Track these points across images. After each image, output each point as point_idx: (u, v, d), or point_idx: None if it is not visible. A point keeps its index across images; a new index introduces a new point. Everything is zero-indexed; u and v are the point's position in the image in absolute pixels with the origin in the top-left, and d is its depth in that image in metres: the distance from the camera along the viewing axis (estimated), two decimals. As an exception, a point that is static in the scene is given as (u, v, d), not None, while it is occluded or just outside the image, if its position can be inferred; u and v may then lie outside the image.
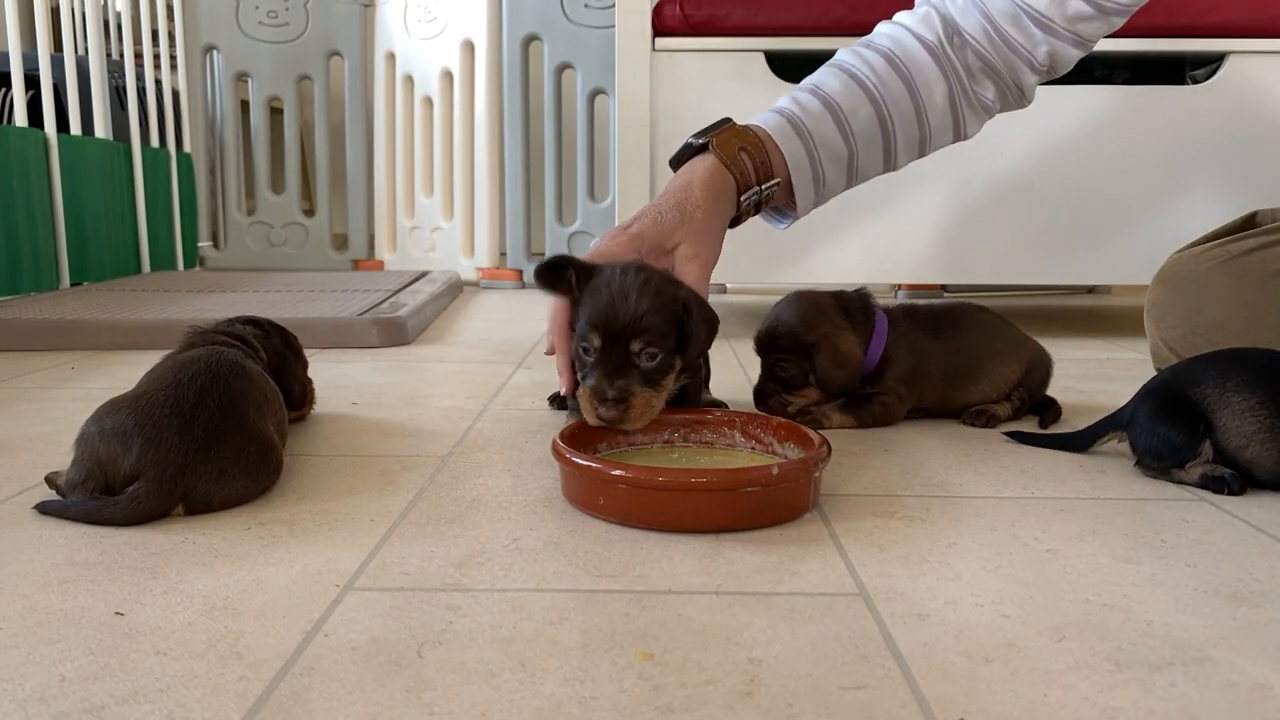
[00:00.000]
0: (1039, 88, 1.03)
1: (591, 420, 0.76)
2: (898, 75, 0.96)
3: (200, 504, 0.67)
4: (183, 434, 0.67)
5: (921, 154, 1.01)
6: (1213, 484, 0.75)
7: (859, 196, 1.15)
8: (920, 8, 0.99)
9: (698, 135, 0.92)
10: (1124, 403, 0.83)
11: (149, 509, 0.65)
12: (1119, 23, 0.96)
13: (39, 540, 0.63)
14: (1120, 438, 0.83)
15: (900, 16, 1.00)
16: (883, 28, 1.01)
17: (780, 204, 0.98)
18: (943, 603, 0.54)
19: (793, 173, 0.93)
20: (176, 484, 0.66)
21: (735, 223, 0.94)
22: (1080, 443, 0.86)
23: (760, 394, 0.97)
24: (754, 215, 0.95)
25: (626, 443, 0.79)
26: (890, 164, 1.00)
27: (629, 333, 0.75)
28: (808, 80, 0.98)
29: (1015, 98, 1.00)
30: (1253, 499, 0.74)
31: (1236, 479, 0.74)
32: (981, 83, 0.98)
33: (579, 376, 0.79)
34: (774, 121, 0.94)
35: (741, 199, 0.91)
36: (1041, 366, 1.01)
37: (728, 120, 0.93)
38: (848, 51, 0.99)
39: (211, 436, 0.68)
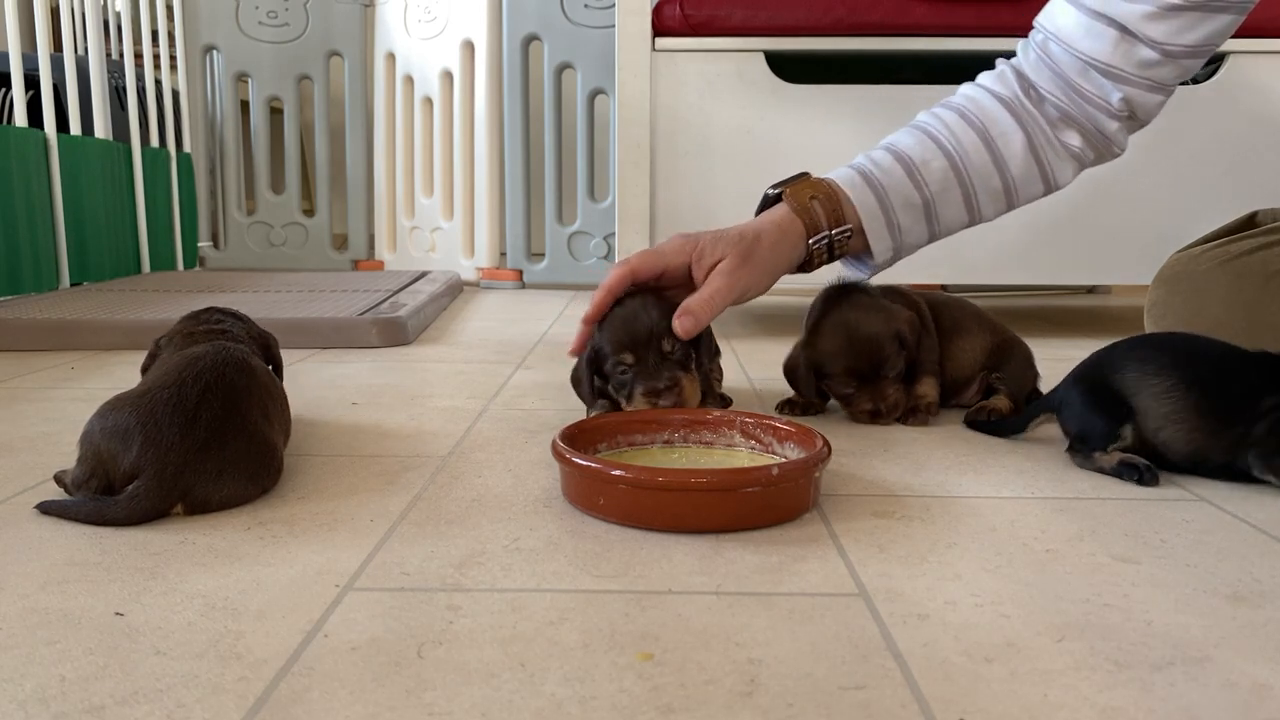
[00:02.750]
0: None
1: None
2: (971, 128, 0.99)
3: (199, 504, 0.67)
4: (183, 433, 0.67)
5: (1010, 205, 1.03)
6: (1126, 472, 0.77)
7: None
8: (998, 67, 1.03)
9: (775, 186, 0.98)
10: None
11: (148, 507, 0.65)
12: (1191, 65, 0.95)
13: (39, 540, 0.63)
14: (1051, 419, 0.87)
15: (980, 77, 1.04)
16: (961, 88, 1.04)
17: (859, 251, 1.01)
18: (943, 603, 0.54)
19: (864, 219, 0.97)
20: (176, 483, 0.66)
21: (807, 266, 0.98)
22: (1016, 426, 0.91)
23: (889, 407, 0.96)
24: (827, 261, 0.99)
25: (627, 443, 0.79)
26: (974, 214, 1.02)
27: (656, 337, 0.85)
28: (883, 140, 1.02)
29: (1103, 145, 1.01)
30: (1253, 499, 0.73)
31: (1151, 470, 0.76)
32: (1065, 131, 1.00)
33: (619, 396, 0.88)
34: (845, 175, 0.98)
35: (811, 241, 0.95)
36: (1018, 353, 1.03)
37: (805, 174, 0.99)
38: (924, 112, 1.03)
39: (212, 436, 0.68)
